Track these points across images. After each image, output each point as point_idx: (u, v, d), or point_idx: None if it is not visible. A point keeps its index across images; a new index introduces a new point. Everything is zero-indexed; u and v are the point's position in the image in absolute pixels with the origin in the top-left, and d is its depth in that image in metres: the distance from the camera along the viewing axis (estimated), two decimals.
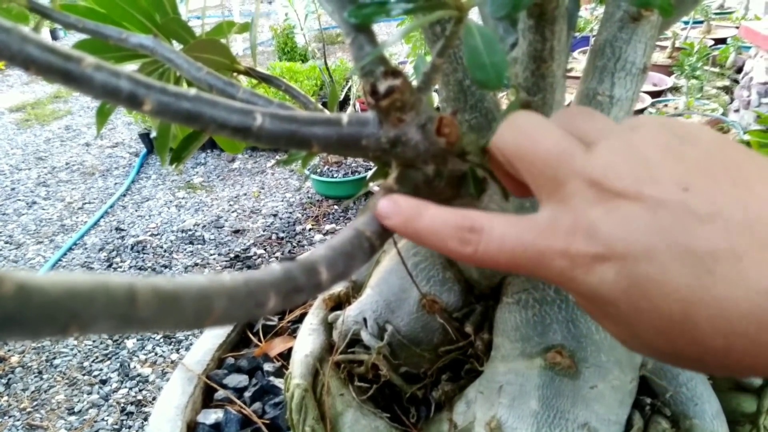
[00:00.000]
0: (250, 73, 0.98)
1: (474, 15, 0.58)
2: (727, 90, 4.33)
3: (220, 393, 1.25)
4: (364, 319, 1.05)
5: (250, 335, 1.43)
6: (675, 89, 4.16)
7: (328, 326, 1.19)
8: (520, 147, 0.38)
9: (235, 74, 0.97)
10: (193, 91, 0.45)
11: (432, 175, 0.53)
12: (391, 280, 1.03)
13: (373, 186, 2.92)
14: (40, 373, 2.63)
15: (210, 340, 1.37)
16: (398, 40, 0.50)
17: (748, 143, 2.03)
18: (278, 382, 1.24)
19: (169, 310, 0.29)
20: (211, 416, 1.18)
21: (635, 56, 0.84)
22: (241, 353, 1.38)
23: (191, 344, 2.67)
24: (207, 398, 1.27)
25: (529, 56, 0.78)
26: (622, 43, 0.84)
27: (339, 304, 1.26)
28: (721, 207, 0.31)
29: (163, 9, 0.96)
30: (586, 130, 0.38)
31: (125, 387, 2.52)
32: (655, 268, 0.31)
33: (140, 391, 2.49)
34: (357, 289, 1.21)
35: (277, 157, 4.55)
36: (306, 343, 1.13)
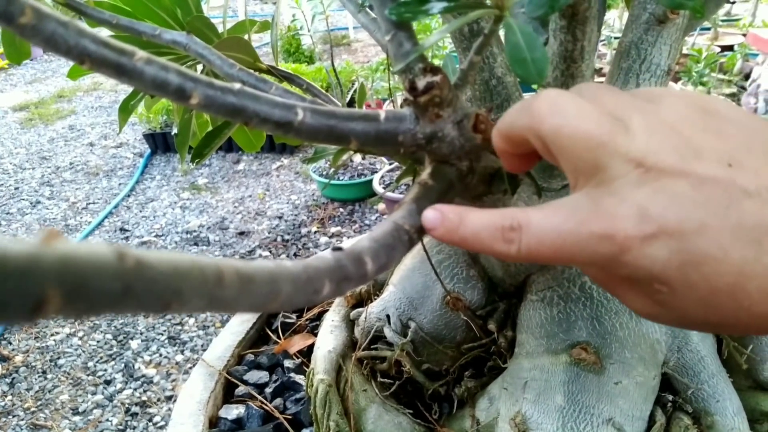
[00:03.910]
0: (271, 71, 0.99)
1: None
2: (734, 97, 4.33)
3: (241, 389, 1.25)
4: (387, 316, 1.06)
5: (269, 332, 1.43)
6: None
7: (350, 323, 1.20)
8: (563, 131, 0.37)
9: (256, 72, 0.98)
10: (237, 85, 0.46)
11: (466, 171, 0.54)
12: (414, 277, 1.04)
13: (381, 190, 2.90)
14: (44, 372, 2.63)
15: (229, 336, 1.37)
16: (440, 39, 0.51)
17: None
18: (299, 379, 1.24)
19: (247, 291, 0.30)
20: (233, 411, 1.18)
21: (660, 58, 0.85)
22: (261, 350, 1.38)
23: (195, 345, 2.68)
24: (228, 394, 1.27)
25: (560, 56, 0.79)
26: (647, 45, 0.85)
27: (360, 301, 1.26)
28: (766, 181, 0.32)
29: (186, 7, 0.97)
30: (616, 108, 0.37)
31: (130, 388, 2.51)
32: (709, 243, 0.32)
33: (145, 392, 2.48)
34: (378, 287, 1.22)
35: (283, 159, 4.56)
36: (328, 339, 1.14)
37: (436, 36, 0.51)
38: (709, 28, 5.42)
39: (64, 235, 0.22)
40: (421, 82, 0.50)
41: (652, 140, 0.34)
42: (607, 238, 0.34)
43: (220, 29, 0.97)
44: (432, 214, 0.43)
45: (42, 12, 0.40)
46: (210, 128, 0.97)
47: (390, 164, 3.48)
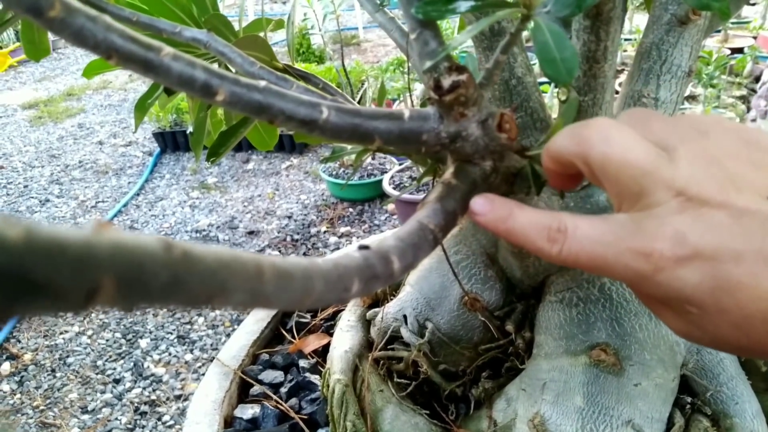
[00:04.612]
0: (288, 70, 0.98)
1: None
2: (744, 99, 4.32)
3: (256, 388, 1.25)
4: (404, 317, 1.06)
5: (284, 332, 1.43)
6: (692, 98, 4.15)
7: (366, 323, 1.20)
8: (611, 160, 0.39)
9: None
10: (262, 83, 0.46)
11: (489, 170, 0.54)
12: (431, 278, 1.04)
13: (391, 190, 2.90)
14: (53, 371, 2.63)
15: (244, 336, 1.37)
16: (467, 39, 0.51)
17: None
18: (314, 379, 1.24)
19: (285, 287, 0.30)
20: (248, 411, 1.18)
21: (681, 59, 0.85)
22: (275, 350, 1.38)
23: (204, 345, 2.68)
24: (243, 393, 1.27)
25: (582, 56, 0.79)
26: (668, 47, 0.84)
27: (376, 301, 1.26)
28: None
29: (203, 5, 0.96)
30: (663, 136, 0.39)
31: (139, 387, 2.52)
32: (743, 271, 0.33)
33: (154, 391, 2.49)
34: (394, 287, 1.22)
35: (292, 159, 4.56)
36: (344, 339, 1.14)
37: (464, 36, 0.51)
38: (719, 31, 5.41)
39: (114, 225, 0.22)
40: (447, 81, 0.50)
41: (695, 171, 0.36)
42: (643, 256, 0.36)
43: (235, 27, 0.97)
44: (482, 201, 0.46)
45: (71, 6, 0.40)
46: (224, 127, 0.97)
47: (400, 164, 3.48)
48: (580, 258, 0.39)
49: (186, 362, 2.64)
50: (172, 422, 2.33)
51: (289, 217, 3.73)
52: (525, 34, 0.53)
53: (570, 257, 0.39)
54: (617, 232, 0.37)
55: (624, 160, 0.38)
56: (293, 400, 1.21)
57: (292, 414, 1.16)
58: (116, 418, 2.37)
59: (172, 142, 4.86)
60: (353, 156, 0.93)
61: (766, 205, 0.34)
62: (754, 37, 5.24)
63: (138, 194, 4.25)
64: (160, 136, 4.86)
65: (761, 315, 0.33)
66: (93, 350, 2.74)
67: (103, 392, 2.50)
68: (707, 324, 0.35)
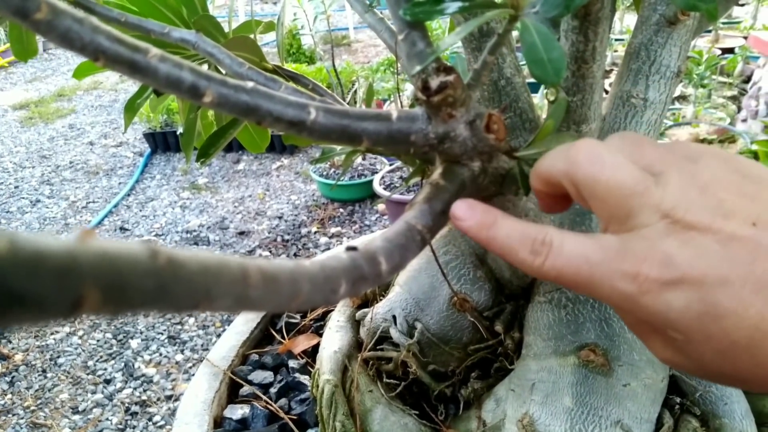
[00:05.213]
0: (277, 71, 0.98)
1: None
2: (735, 99, 4.34)
3: (246, 389, 1.25)
4: (393, 317, 1.06)
5: (273, 332, 1.43)
6: (683, 98, 4.17)
7: (355, 324, 1.19)
8: (598, 180, 0.39)
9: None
10: (250, 84, 0.46)
11: (477, 171, 0.54)
12: (421, 278, 1.04)
13: (382, 190, 2.90)
14: (44, 371, 2.63)
15: (233, 336, 1.37)
16: (455, 41, 0.51)
17: (755, 153, 2.05)
18: (303, 379, 1.24)
19: (272, 291, 0.30)
20: (238, 411, 1.18)
21: (670, 60, 0.85)
22: (265, 350, 1.37)
23: (195, 345, 2.68)
24: (232, 394, 1.27)
25: (571, 57, 0.79)
26: (657, 47, 0.84)
27: (366, 302, 1.26)
28: None
29: (192, 6, 0.96)
30: (653, 161, 0.39)
31: (129, 387, 2.51)
32: (729, 296, 0.33)
33: (144, 391, 2.49)
34: (384, 287, 1.22)
35: (283, 159, 4.56)
36: (334, 339, 1.14)
37: (453, 38, 0.51)
38: (710, 31, 5.43)
39: (97, 233, 0.22)
40: (435, 82, 0.50)
41: (683, 196, 0.36)
42: (629, 277, 0.36)
43: (225, 28, 0.97)
44: (464, 207, 0.45)
45: (57, 8, 0.40)
46: (215, 129, 0.97)
47: (390, 165, 3.48)
48: (564, 273, 0.38)
49: (177, 362, 2.63)
50: (162, 422, 2.33)
51: (280, 218, 3.72)
52: (515, 34, 0.53)
53: (552, 271, 0.39)
54: (605, 251, 0.37)
55: (612, 180, 0.38)
56: (283, 401, 1.21)
57: (282, 414, 1.16)
58: (107, 419, 2.36)
59: (162, 142, 4.86)
60: (343, 156, 0.93)
61: (753, 232, 0.33)
62: (745, 37, 5.26)
63: (129, 195, 4.25)
64: (150, 137, 4.86)
65: (745, 342, 0.33)
66: (84, 351, 2.73)
67: (94, 392, 2.50)
68: (691, 351, 0.35)
